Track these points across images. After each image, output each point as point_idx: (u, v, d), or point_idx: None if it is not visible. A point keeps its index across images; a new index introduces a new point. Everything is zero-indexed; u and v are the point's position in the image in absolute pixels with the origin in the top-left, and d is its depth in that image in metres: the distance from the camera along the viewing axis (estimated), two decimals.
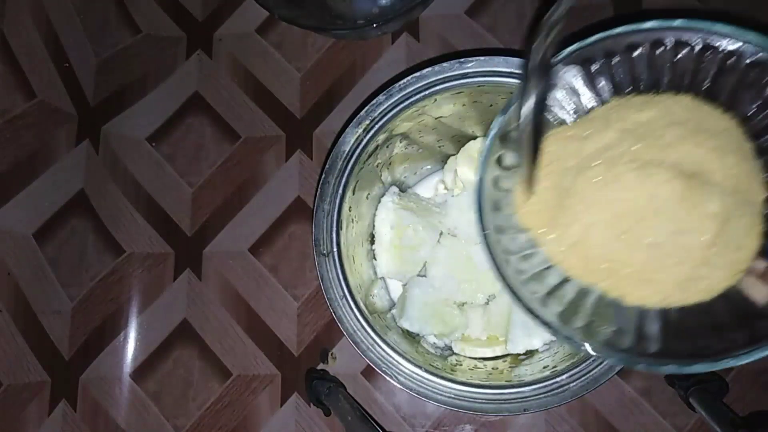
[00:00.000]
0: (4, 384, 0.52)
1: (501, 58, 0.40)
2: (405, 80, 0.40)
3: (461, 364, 0.44)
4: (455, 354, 0.46)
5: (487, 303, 0.46)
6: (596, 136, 0.30)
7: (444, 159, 0.50)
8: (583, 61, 0.31)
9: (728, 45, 0.28)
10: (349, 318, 0.39)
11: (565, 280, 0.30)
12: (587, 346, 0.28)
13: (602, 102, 0.32)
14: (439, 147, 0.49)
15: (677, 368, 0.26)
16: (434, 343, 0.46)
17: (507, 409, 0.36)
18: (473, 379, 0.38)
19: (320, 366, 0.52)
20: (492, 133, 0.32)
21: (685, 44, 0.29)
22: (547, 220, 0.30)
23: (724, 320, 0.27)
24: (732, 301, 0.27)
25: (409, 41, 0.58)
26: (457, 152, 0.48)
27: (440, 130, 0.46)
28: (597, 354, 0.28)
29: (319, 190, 0.40)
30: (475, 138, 0.48)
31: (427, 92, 0.40)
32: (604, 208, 0.28)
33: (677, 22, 0.28)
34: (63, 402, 0.52)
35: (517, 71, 0.39)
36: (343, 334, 0.38)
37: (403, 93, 0.40)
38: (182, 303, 0.54)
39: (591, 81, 0.31)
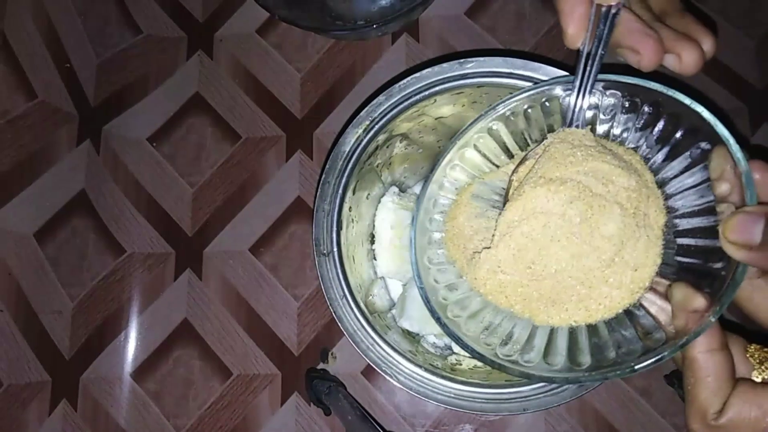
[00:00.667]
0: (5, 384, 0.52)
1: (501, 59, 0.40)
2: (405, 81, 0.40)
3: (461, 364, 0.44)
4: (455, 354, 0.46)
5: None
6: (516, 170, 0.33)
7: None
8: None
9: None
10: (349, 318, 0.39)
11: (485, 306, 0.32)
12: (500, 363, 0.30)
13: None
14: (439, 147, 0.49)
15: (582, 379, 0.28)
16: (434, 342, 0.47)
17: (507, 408, 0.36)
18: (473, 379, 0.38)
19: (320, 365, 0.52)
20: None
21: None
22: (464, 252, 0.32)
23: (626, 335, 0.29)
24: (634, 317, 0.29)
25: (409, 42, 0.58)
26: None
27: (440, 131, 0.46)
28: (524, 374, 0.29)
29: (319, 190, 0.40)
30: None
31: (426, 93, 0.40)
32: (510, 241, 0.30)
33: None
34: (63, 402, 0.52)
35: (516, 72, 0.39)
36: (343, 334, 0.39)
37: (403, 93, 0.40)
38: (183, 303, 0.54)
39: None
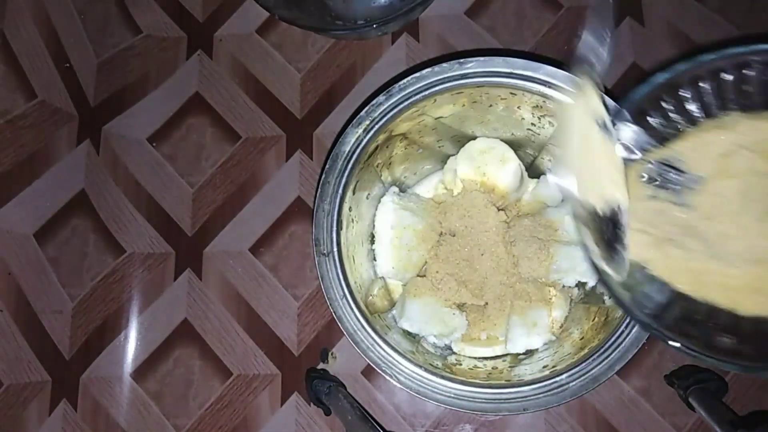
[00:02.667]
0: (5, 384, 0.52)
1: (500, 59, 0.40)
2: (405, 81, 0.40)
3: (461, 364, 0.44)
4: (455, 354, 0.46)
5: (486, 303, 0.46)
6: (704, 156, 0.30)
7: (444, 159, 0.50)
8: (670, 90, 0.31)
9: None
10: (349, 318, 0.39)
11: (676, 297, 0.30)
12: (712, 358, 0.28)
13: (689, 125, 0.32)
14: (439, 147, 0.49)
15: None
16: (434, 343, 0.47)
17: (506, 408, 0.36)
18: (473, 379, 0.38)
19: (320, 365, 0.52)
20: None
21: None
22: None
23: None
24: None
25: (409, 42, 0.58)
26: (457, 152, 0.48)
27: (440, 131, 0.46)
28: (725, 365, 0.28)
29: (319, 190, 0.40)
30: (474, 138, 0.48)
31: (426, 92, 0.40)
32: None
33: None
34: (63, 402, 0.52)
35: (516, 72, 0.39)
36: (344, 334, 0.39)
37: (403, 93, 0.40)
38: (183, 303, 0.54)
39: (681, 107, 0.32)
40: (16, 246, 0.55)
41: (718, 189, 0.30)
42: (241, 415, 0.51)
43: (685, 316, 0.29)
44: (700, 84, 0.31)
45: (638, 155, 0.32)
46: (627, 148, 0.32)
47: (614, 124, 0.31)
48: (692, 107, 0.32)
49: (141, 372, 0.53)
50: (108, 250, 0.55)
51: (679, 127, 0.32)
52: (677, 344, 0.28)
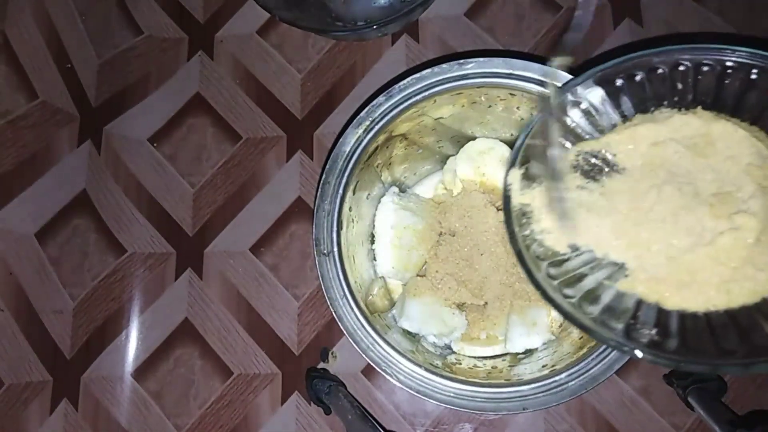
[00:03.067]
0: (6, 383, 0.53)
1: (500, 60, 0.40)
2: (405, 81, 0.40)
3: (461, 363, 0.44)
4: (455, 353, 0.46)
5: (485, 303, 0.46)
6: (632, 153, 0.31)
7: (443, 159, 0.50)
8: (605, 82, 0.32)
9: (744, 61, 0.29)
10: (349, 317, 0.39)
11: (601, 286, 0.30)
12: (632, 350, 0.27)
13: (623, 119, 0.32)
14: (439, 147, 0.49)
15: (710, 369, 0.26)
16: (434, 342, 0.47)
17: (506, 407, 0.37)
18: (473, 378, 0.38)
19: (321, 365, 0.52)
20: (518, 143, 0.32)
21: (705, 65, 0.30)
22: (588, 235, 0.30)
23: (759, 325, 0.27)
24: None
25: (409, 43, 0.58)
26: (457, 153, 0.48)
27: (440, 131, 0.46)
28: (641, 356, 0.27)
29: (319, 190, 0.41)
30: (474, 139, 0.48)
31: (426, 93, 0.40)
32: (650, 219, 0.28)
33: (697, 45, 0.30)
34: (64, 401, 0.53)
35: (516, 72, 0.40)
36: (344, 333, 0.39)
37: (403, 94, 0.40)
38: (183, 302, 0.54)
39: (616, 99, 0.32)
40: (17, 246, 0.55)
41: (638, 182, 0.30)
42: (241, 414, 0.51)
43: (611, 307, 0.29)
44: (636, 79, 0.32)
45: (569, 146, 0.33)
46: (562, 137, 0.33)
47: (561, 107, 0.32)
48: (626, 102, 0.32)
49: (142, 371, 0.53)
50: (109, 250, 0.56)
51: (612, 121, 0.33)
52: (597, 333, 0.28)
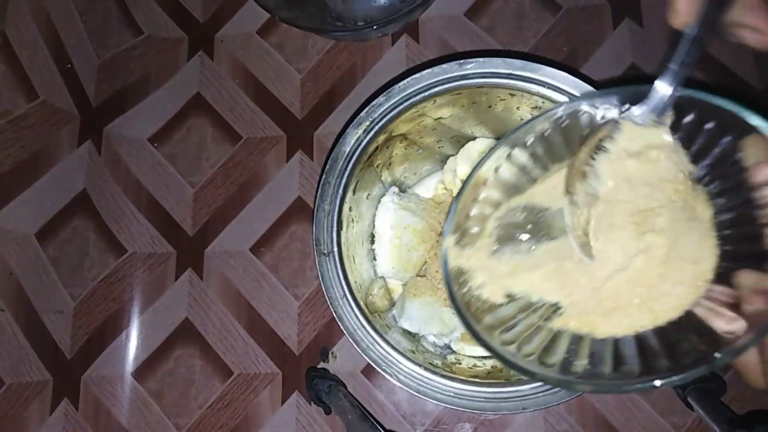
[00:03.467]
0: (7, 383, 0.53)
1: (500, 60, 0.40)
2: (405, 81, 0.40)
3: (461, 363, 0.44)
4: (455, 353, 0.46)
5: None
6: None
7: (443, 159, 0.51)
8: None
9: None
10: (349, 317, 0.39)
11: (537, 328, 0.30)
12: (571, 384, 0.28)
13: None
14: (439, 147, 0.49)
15: (642, 386, 0.26)
16: (434, 342, 0.47)
17: (506, 407, 0.37)
18: (472, 378, 0.38)
19: (321, 365, 0.52)
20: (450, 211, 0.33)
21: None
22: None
23: (689, 337, 0.27)
24: (694, 321, 0.27)
25: (409, 43, 0.58)
26: (457, 153, 0.48)
27: (440, 131, 0.46)
28: (579, 387, 0.28)
29: (319, 190, 0.41)
30: (474, 139, 0.48)
31: (426, 93, 0.40)
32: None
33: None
34: (65, 401, 0.53)
35: (516, 73, 0.40)
36: (344, 333, 0.39)
37: (403, 94, 0.40)
38: (184, 302, 0.54)
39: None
40: (17, 246, 0.55)
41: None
42: (241, 414, 0.51)
43: (547, 347, 0.30)
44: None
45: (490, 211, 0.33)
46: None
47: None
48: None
49: (142, 371, 0.53)
50: (109, 250, 0.56)
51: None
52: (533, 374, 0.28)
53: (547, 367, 0.28)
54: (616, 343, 0.28)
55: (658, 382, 0.25)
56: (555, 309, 0.30)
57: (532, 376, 0.28)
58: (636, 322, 0.28)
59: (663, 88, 0.28)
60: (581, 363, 0.28)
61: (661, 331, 0.27)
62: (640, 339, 0.28)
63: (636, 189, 0.29)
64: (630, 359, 0.27)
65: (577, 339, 0.29)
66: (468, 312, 0.30)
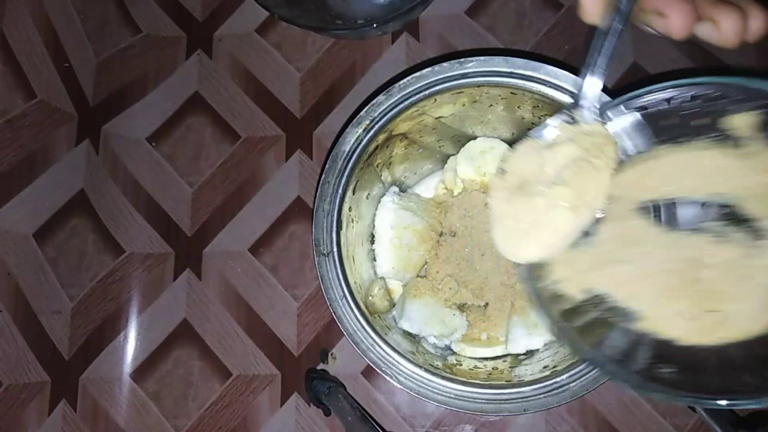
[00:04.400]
0: (4, 384, 0.52)
1: (501, 58, 0.39)
2: (405, 80, 0.40)
3: (461, 365, 0.44)
4: (455, 354, 0.46)
5: (486, 304, 0.46)
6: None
7: (444, 159, 0.50)
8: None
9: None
10: (349, 318, 0.39)
11: (617, 328, 0.30)
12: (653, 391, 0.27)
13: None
14: (439, 147, 0.49)
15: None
16: (434, 343, 0.46)
17: (507, 409, 0.36)
18: (473, 379, 0.38)
19: (320, 366, 0.52)
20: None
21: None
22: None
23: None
24: None
25: (409, 41, 0.58)
26: (457, 152, 0.48)
27: (440, 130, 0.46)
28: (665, 398, 0.28)
29: (319, 190, 0.40)
30: (475, 138, 0.48)
31: (427, 92, 0.40)
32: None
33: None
34: (63, 402, 0.52)
35: (517, 71, 0.39)
36: (343, 334, 0.38)
37: (403, 93, 0.40)
38: (182, 303, 0.54)
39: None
40: (15, 246, 0.55)
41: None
42: (240, 415, 0.51)
43: (628, 351, 0.29)
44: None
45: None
46: None
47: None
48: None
49: (140, 372, 0.53)
50: (107, 250, 0.55)
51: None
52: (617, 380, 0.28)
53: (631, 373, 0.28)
54: (696, 352, 0.27)
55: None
56: (634, 312, 0.30)
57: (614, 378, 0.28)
58: (729, 333, 0.27)
59: (590, 85, 0.28)
60: (667, 369, 0.28)
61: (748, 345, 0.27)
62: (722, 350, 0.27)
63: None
64: (710, 370, 0.27)
65: (663, 344, 0.28)
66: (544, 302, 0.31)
